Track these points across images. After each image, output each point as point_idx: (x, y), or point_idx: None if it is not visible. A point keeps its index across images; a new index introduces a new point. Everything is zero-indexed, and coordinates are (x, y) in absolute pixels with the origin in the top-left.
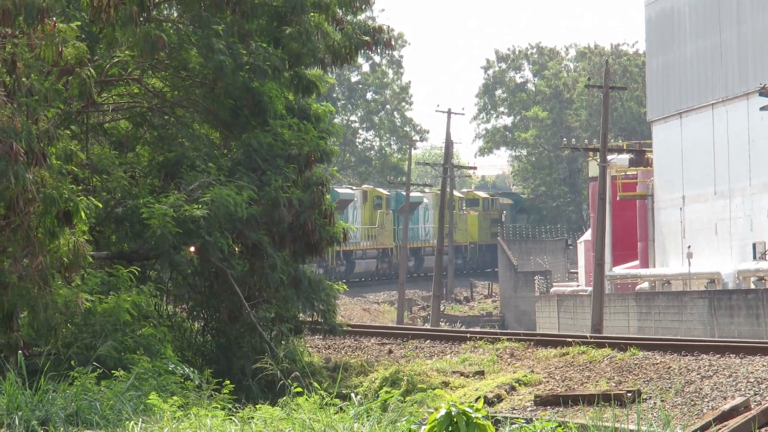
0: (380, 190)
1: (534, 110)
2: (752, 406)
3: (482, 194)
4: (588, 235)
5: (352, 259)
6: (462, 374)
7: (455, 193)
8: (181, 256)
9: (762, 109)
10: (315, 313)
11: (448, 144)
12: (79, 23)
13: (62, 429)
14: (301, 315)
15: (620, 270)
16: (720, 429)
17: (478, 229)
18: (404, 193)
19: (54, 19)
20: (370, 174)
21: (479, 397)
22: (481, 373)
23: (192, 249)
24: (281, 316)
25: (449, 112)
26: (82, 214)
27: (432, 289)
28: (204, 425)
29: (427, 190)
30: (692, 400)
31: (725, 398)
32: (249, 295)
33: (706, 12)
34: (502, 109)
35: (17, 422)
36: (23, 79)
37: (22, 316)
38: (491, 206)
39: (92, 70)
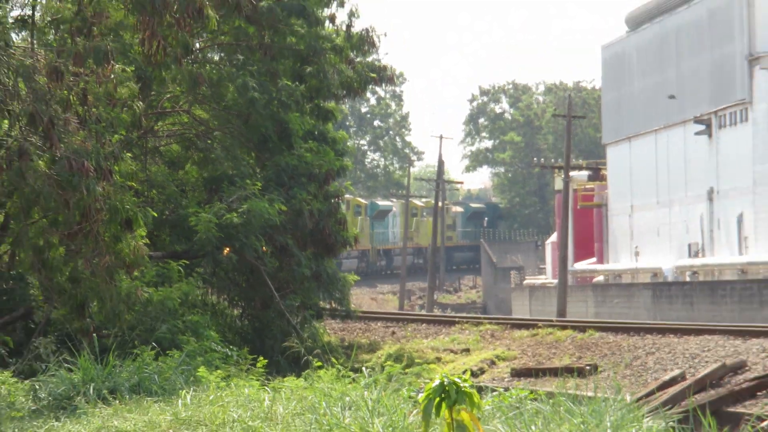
0: (359, 199)
1: (510, 135)
2: (687, 376)
3: (426, 202)
4: (554, 237)
5: (340, 258)
6: (452, 351)
7: (417, 202)
8: (222, 255)
9: (696, 134)
10: (333, 301)
11: (440, 163)
12: (132, 68)
13: (127, 397)
14: (321, 303)
15: (580, 266)
16: (661, 395)
17: (423, 241)
18: (378, 202)
19: (112, 63)
20: (377, 188)
21: (466, 370)
22: (467, 351)
23: (230, 250)
24: (305, 304)
25: (441, 137)
26: (141, 222)
27: (428, 282)
28: (242, 393)
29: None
30: (639, 372)
31: (666, 370)
32: (278, 287)
33: (651, 55)
34: (484, 134)
35: (91, 391)
36: (93, 109)
37: (92, 306)
38: (446, 214)
39: (141, 104)
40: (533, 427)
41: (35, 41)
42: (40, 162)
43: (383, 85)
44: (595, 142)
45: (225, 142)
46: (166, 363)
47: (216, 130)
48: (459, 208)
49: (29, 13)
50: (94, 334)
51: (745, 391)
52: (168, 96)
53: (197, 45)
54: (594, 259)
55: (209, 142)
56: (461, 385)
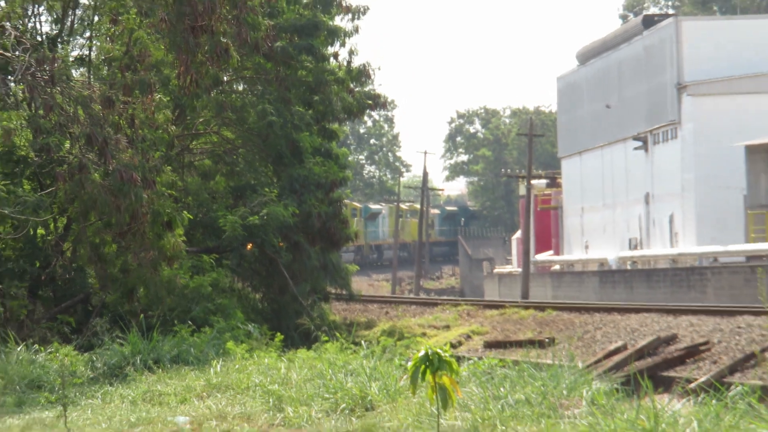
0: (355, 203)
1: (482, 151)
2: (628, 347)
3: (418, 206)
4: (518, 234)
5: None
6: (435, 327)
7: (402, 206)
8: (246, 250)
9: (635, 149)
10: (337, 287)
11: (425, 174)
12: (170, 98)
13: (168, 366)
14: (328, 288)
15: (540, 257)
16: (607, 362)
17: (417, 231)
18: (370, 206)
19: (154, 93)
20: (373, 195)
21: (447, 343)
22: (447, 327)
23: (252, 245)
24: (314, 289)
25: (425, 153)
26: (179, 223)
27: (415, 271)
28: (263, 363)
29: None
30: (589, 344)
31: (611, 342)
32: (292, 275)
33: (597, 84)
34: (460, 150)
35: (138, 362)
36: (139, 131)
37: (139, 291)
38: (426, 216)
39: (174, 128)
40: (502, 389)
41: (91, 76)
42: (95, 174)
43: (378, 110)
44: (552, 156)
45: (248, 158)
46: (200, 338)
47: (240, 147)
48: (436, 210)
49: (87, 53)
50: (141, 315)
51: (676, 359)
52: (201, 120)
53: (224, 78)
54: (551, 252)
55: (234, 157)
56: (443, 355)
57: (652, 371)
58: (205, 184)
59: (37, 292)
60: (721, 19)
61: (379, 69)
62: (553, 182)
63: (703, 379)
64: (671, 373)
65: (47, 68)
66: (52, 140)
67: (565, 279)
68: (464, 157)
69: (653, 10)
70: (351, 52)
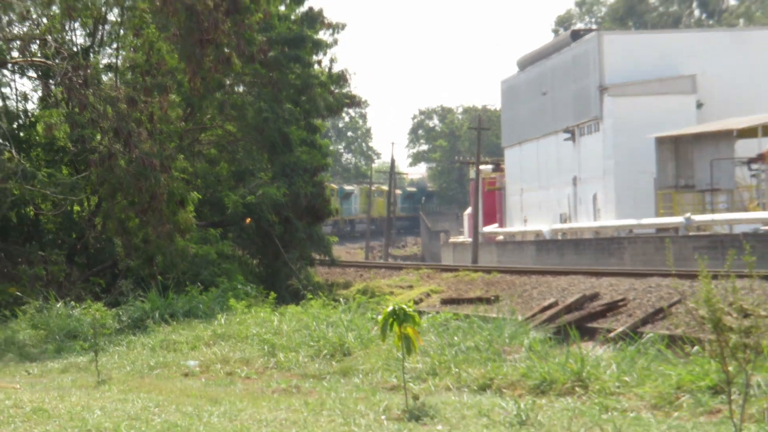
0: (332, 185)
1: (439, 141)
2: (559, 303)
3: (384, 188)
4: (469, 210)
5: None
6: (400, 287)
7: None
8: (245, 224)
9: (565, 140)
10: (320, 254)
11: (392, 161)
12: (182, 98)
13: (181, 319)
14: (313, 255)
15: (487, 229)
16: (542, 316)
17: (383, 208)
18: (345, 187)
19: (169, 94)
20: (349, 178)
21: (410, 300)
22: (411, 287)
23: (251, 220)
24: (302, 256)
25: (393, 143)
26: (190, 201)
27: (384, 241)
28: (259, 317)
29: (372, 186)
30: (527, 301)
31: (545, 299)
32: (283, 244)
33: (533, 87)
34: (422, 140)
35: (157, 316)
36: (157, 125)
37: (157, 258)
38: (390, 195)
39: (184, 123)
40: (455, 338)
41: (118, 80)
42: (121, 161)
43: (353, 108)
44: (497, 146)
45: (246, 147)
46: (207, 296)
47: (240, 139)
48: (398, 191)
49: (114, 61)
50: (159, 278)
51: (598, 313)
52: (207, 116)
53: (227, 81)
54: (497, 225)
55: (235, 147)
56: (407, 310)
57: (579, 323)
58: (211, 169)
59: (73, 258)
60: (635, 33)
61: (355, 74)
62: (498, 167)
63: (620, 329)
64: (594, 325)
65: (82, 74)
66: (86, 133)
67: (507, 247)
68: (425, 147)
69: (579, 25)
70: (332, 60)
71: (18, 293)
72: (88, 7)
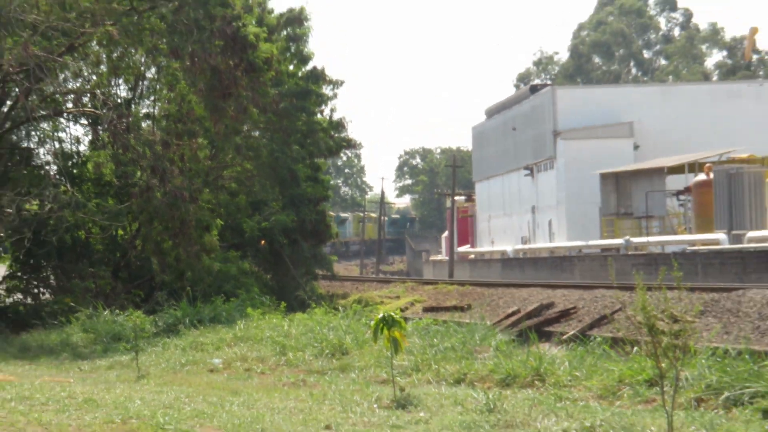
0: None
1: (421, 177)
2: (521, 310)
3: (373, 215)
4: (446, 234)
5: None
6: (389, 297)
7: (360, 214)
8: (260, 245)
9: (525, 175)
10: (323, 270)
11: (382, 193)
12: (208, 141)
13: (207, 324)
14: (317, 271)
15: (461, 249)
16: (507, 321)
17: (373, 232)
18: (341, 214)
19: (197, 138)
20: (346, 207)
21: (397, 308)
22: (398, 297)
23: (265, 242)
24: (307, 271)
25: (382, 178)
26: (214, 227)
27: (377, 259)
28: (272, 322)
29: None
30: (494, 308)
31: (509, 307)
32: (292, 262)
33: (499, 131)
34: (406, 176)
35: (187, 321)
36: (187, 164)
37: (187, 274)
38: (381, 221)
39: (209, 162)
40: (435, 340)
41: (154, 126)
42: (157, 194)
43: (350, 149)
44: (469, 180)
45: (261, 182)
46: (229, 305)
47: (256, 175)
48: (385, 217)
49: (151, 110)
50: (188, 290)
51: (553, 319)
52: (229, 156)
53: (245, 127)
54: (469, 246)
55: (252, 181)
56: (395, 316)
57: (537, 327)
58: (231, 200)
59: (117, 274)
60: (583, 88)
61: (351, 122)
62: (470, 198)
63: (571, 332)
64: (550, 329)
65: (124, 121)
66: (128, 170)
67: (478, 264)
68: (409, 181)
69: (537, 81)
70: (332, 110)
71: (72, 303)
72: (129, 66)
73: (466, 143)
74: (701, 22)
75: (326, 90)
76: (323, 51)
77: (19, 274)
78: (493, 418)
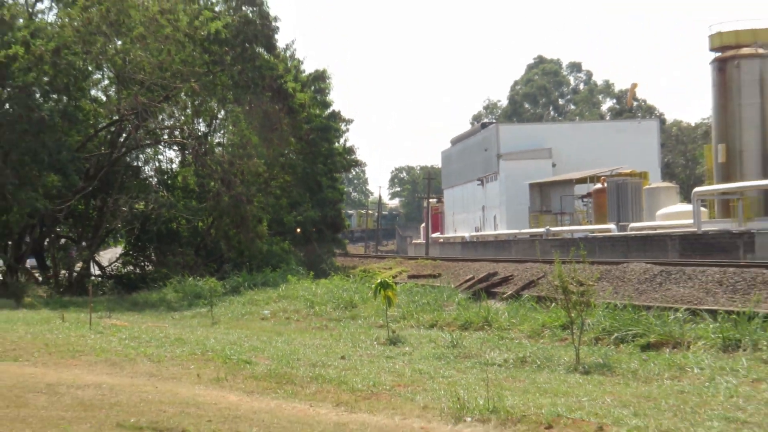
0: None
1: (406, 186)
2: (475, 277)
3: (371, 212)
4: (423, 224)
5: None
6: (384, 268)
7: (362, 211)
8: (296, 233)
9: (477, 185)
10: (339, 249)
11: (380, 197)
12: (263, 161)
13: (260, 287)
14: (335, 250)
15: (434, 235)
16: (465, 284)
17: (371, 224)
18: (349, 212)
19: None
20: (353, 207)
21: (390, 275)
22: (390, 268)
23: (300, 230)
24: (328, 250)
25: (380, 187)
26: (264, 220)
27: (375, 243)
28: (304, 285)
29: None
30: (457, 276)
31: (467, 275)
32: (318, 244)
33: (460, 155)
34: (396, 185)
35: (246, 285)
36: (246, 177)
37: (247, 252)
38: (372, 217)
39: (266, 174)
40: (416, 297)
41: (224, 151)
42: (225, 198)
43: (357, 167)
44: (439, 188)
45: (297, 189)
46: (274, 274)
47: (293, 185)
48: (381, 213)
49: (222, 140)
50: (247, 263)
51: (497, 283)
52: (275, 171)
53: (286, 151)
54: (439, 233)
55: (291, 189)
56: (388, 281)
57: (486, 289)
58: (276, 202)
59: (198, 252)
60: (517, 125)
61: (359, 148)
62: (440, 200)
63: (509, 292)
64: (495, 290)
65: (203, 148)
66: (205, 181)
67: (445, 246)
68: (398, 188)
69: (485, 119)
70: (345, 140)
71: (166, 272)
72: (206, 110)
73: (437, 162)
74: (598, 79)
75: (342, 125)
76: (337, 95)
77: (130, 252)
78: (455, 351)
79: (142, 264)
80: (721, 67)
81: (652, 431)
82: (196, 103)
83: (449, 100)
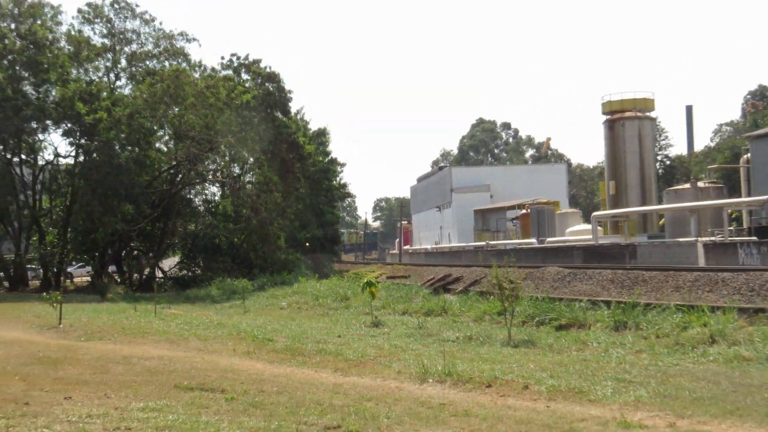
0: (339, 230)
1: (385, 212)
2: (435, 278)
3: (359, 231)
4: (398, 240)
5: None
6: (370, 271)
7: (352, 231)
8: (305, 246)
9: (436, 211)
10: (336, 258)
11: (366, 222)
12: (279, 194)
13: (279, 286)
14: (333, 258)
15: (405, 247)
16: (428, 282)
17: (358, 240)
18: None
19: (274, 192)
20: (345, 227)
21: (374, 276)
22: (373, 271)
23: (308, 244)
24: (329, 259)
25: (366, 213)
26: (282, 237)
27: (362, 253)
28: (311, 284)
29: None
30: (421, 277)
31: (429, 276)
32: (321, 253)
33: (424, 190)
34: (377, 212)
35: (269, 284)
36: (269, 206)
37: (269, 260)
38: (358, 235)
39: (282, 204)
40: (392, 292)
41: (253, 187)
42: (253, 221)
43: (349, 198)
44: (409, 213)
45: (306, 214)
46: (290, 276)
47: (303, 211)
48: (361, 232)
49: (251, 179)
50: (270, 268)
51: (451, 281)
52: (291, 201)
53: (298, 186)
54: (409, 246)
55: (302, 214)
56: (372, 280)
57: (443, 286)
58: (292, 224)
59: (234, 260)
60: (465, 167)
61: (350, 184)
62: (409, 222)
63: (460, 288)
64: (450, 287)
65: (237, 185)
66: (239, 209)
67: (414, 255)
68: (378, 214)
69: (442, 163)
70: (340, 179)
71: (211, 275)
72: (240, 158)
73: (407, 194)
74: (523, 134)
75: (338, 168)
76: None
77: (184, 261)
78: (421, 331)
79: (193, 269)
80: (611, 125)
81: (563, 388)
82: (232, 152)
83: (417, 148)
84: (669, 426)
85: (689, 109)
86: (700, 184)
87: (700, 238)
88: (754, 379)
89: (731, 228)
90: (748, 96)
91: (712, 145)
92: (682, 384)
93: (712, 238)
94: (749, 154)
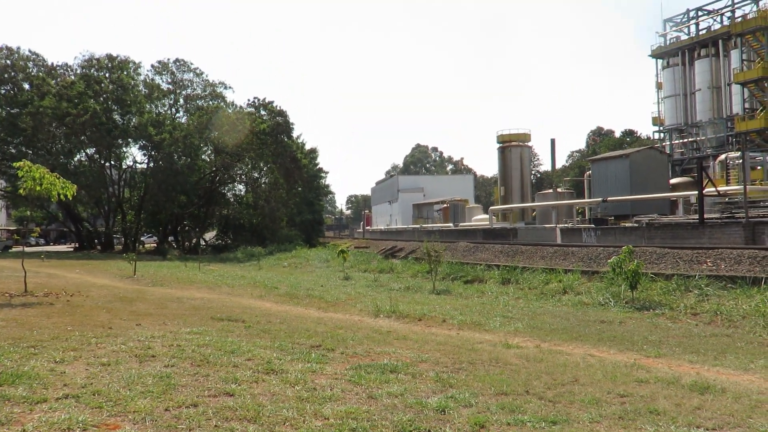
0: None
1: (353, 204)
2: (386, 248)
3: (336, 216)
4: (362, 222)
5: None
6: (343, 244)
7: (332, 217)
8: (301, 226)
9: (389, 204)
10: (320, 234)
11: (341, 210)
12: (283, 192)
13: (283, 252)
14: (319, 235)
15: (368, 228)
16: (382, 250)
17: (337, 223)
18: (326, 215)
19: (279, 190)
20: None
21: (346, 246)
22: (345, 243)
23: (303, 225)
24: (317, 234)
25: (341, 205)
26: (284, 219)
27: (338, 231)
28: (305, 251)
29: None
30: (378, 247)
31: (383, 247)
32: (311, 231)
33: (381, 191)
34: (349, 204)
35: (275, 251)
36: (276, 199)
37: (276, 235)
38: (342, 219)
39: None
40: (358, 257)
41: (266, 186)
42: (266, 209)
43: (330, 194)
44: (370, 206)
45: (301, 205)
46: (290, 246)
47: (300, 202)
48: (338, 217)
49: (265, 180)
50: (277, 241)
51: (397, 250)
52: (291, 195)
53: (297, 187)
54: (369, 227)
55: (300, 205)
56: (345, 249)
57: (392, 253)
58: (291, 210)
59: (253, 235)
60: (410, 176)
61: (331, 184)
62: (371, 211)
63: (402, 255)
64: (396, 254)
65: (256, 184)
66: (257, 200)
67: (373, 233)
68: (350, 205)
69: (392, 173)
70: (325, 181)
71: (237, 244)
72: (258, 167)
73: (368, 192)
74: (446, 154)
75: (324, 174)
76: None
77: (220, 234)
78: (376, 283)
79: (225, 240)
80: (502, 150)
81: (468, 322)
82: (253, 163)
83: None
84: (536, 347)
85: (553, 141)
86: (559, 189)
87: (558, 225)
88: (590, 316)
89: (578, 219)
90: (591, 133)
91: (567, 164)
92: (545, 320)
93: (566, 225)
94: (590, 171)
